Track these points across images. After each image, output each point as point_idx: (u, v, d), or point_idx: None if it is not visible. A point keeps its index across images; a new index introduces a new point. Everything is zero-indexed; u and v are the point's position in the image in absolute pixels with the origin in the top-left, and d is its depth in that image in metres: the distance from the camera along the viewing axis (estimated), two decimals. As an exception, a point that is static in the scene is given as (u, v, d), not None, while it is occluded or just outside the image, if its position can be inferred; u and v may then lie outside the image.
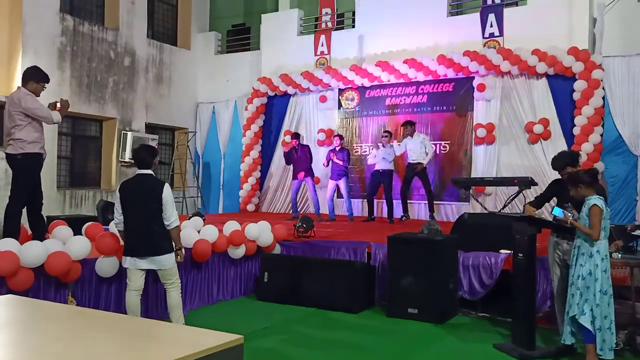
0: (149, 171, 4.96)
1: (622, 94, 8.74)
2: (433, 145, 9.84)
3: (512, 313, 4.95)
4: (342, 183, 9.63)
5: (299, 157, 9.76)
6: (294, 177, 10.04)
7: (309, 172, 9.80)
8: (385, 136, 9.48)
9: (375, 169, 9.57)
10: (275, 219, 9.01)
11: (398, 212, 9.45)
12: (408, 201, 9.52)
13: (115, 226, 5.08)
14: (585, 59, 8.73)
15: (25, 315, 2.50)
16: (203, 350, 1.94)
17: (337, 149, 9.62)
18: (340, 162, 9.50)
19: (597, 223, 4.30)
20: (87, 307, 4.61)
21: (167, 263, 4.89)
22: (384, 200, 9.62)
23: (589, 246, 4.34)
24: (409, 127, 9.23)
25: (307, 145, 10.05)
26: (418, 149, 9.08)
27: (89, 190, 11.22)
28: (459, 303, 6.09)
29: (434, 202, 9.44)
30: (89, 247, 5.18)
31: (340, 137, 9.83)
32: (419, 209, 10.24)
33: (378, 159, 9.42)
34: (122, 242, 5.10)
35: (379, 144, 9.70)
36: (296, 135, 10.01)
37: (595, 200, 4.36)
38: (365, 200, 10.07)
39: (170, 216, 4.87)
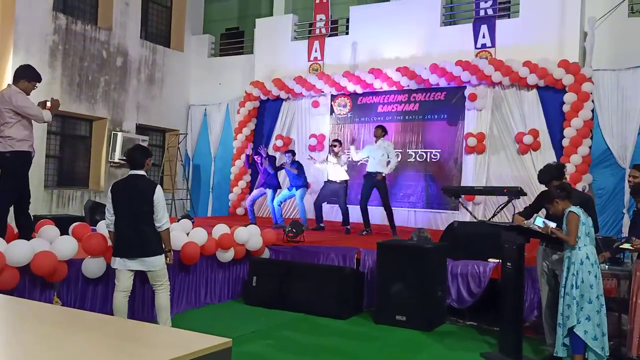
0: (142, 172, 4.93)
1: (611, 107, 8.84)
2: (399, 154, 9.63)
3: (500, 322, 4.96)
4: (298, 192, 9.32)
5: (265, 168, 9.45)
6: (258, 185, 9.70)
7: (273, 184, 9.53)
8: (334, 145, 8.98)
9: (328, 178, 9.06)
10: (265, 223, 8.98)
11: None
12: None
13: (106, 227, 5.02)
14: (576, 71, 8.82)
15: (9, 315, 2.47)
16: (191, 352, 1.92)
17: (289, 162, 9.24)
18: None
19: (572, 229, 4.38)
20: (73, 308, 4.55)
21: (157, 264, 4.87)
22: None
23: (578, 254, 4.37)
24: (379, 131, 8.51)
25: (274, 157, 9.83)
26: (379, 156, 8.34)
27: (76, 190, 11.12)
28: (447, 311, 6.10)
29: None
30: (75, 248, 5.13)
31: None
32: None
33: (330, 170, 8.92)
34: (110, 243, 5.06)
35: (328, 154, 9.25)
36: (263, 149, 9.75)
37: (571, 208, 4.44)
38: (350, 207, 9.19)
39: (162, 218, 4.85)
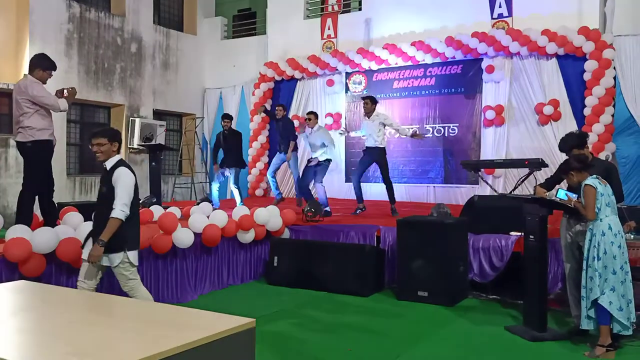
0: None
1: (634, 73, 8.62)
2: (397, 121, 9.31)
3: (524, 295, 4.93)
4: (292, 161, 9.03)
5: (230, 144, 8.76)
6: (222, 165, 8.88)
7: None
8: (309, 119, 8.42)
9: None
10: (284, 203, 9.00)
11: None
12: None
13: (123, 218, 4.10)
14: (596, 38, 8.60)
15: (38, 301, 2.52)
16: (216, 333, 1.96)
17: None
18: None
19: (589, 202, 4.32)
20: (99, 293, 4.64)
21: None
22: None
23: (599, 225, 4.31)
24: (368, 104, 7.92)
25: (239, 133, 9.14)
26: (375, 132, 7.81)
27: (98, 177, 11.21)
28: (470, 286, 6.09)
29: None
30: (99, 233, 5.19)
31: (283, 107, 9.09)
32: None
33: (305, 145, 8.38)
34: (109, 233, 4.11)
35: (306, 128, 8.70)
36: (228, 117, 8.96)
37: (587, 180, 4.36)
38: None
39: None
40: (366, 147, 8.03)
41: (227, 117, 8.94)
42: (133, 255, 4.25)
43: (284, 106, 9.32)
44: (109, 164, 4.20)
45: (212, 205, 8.13)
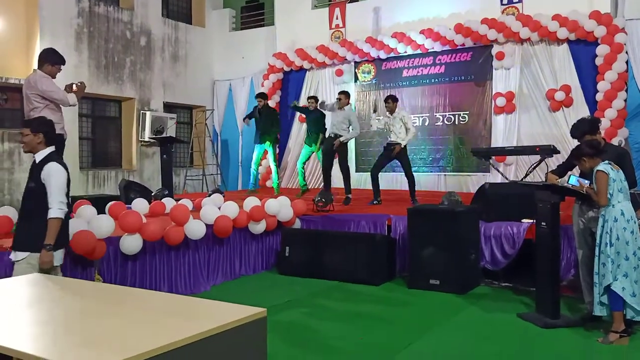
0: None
1: (647, 57, 8.50)
2: (414, 121, 9.27)
3: (536, 282, 4.92)
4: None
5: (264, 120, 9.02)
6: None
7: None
8: (338, 99, 8.38)
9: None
10: (294, 194, 9.02)
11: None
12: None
13: (62, 216, 3.82)
14: (608, 22, 8.49)
15: (53, 293, 2.57)
16: (228, 323, 1.98)
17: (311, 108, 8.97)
18: None
19: (601, 188, 4.29)
20: (114, 284, 4.69)
21: None
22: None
23: (612, 211, 4.28)
24: (390, 103, 8.08)
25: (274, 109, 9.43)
26: (397, 128, 7.98)
27: (111, 170, 11.36)
28: (481, 273, 6.08)
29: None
30: (112, 226, 5.26)
31: (315, 99, 9.15)
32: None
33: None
34: (53, 234, 3.77)
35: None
36: (262, 96, 9.30)
37: (599, 166, 4.33)
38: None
39: None
40: (387, 143, 8.14)
41: (259, 95, 9.31)
42: (58, 255, 3.89)
43: (316, 98, 9.30)
44: (38, 157, 3.87)
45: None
